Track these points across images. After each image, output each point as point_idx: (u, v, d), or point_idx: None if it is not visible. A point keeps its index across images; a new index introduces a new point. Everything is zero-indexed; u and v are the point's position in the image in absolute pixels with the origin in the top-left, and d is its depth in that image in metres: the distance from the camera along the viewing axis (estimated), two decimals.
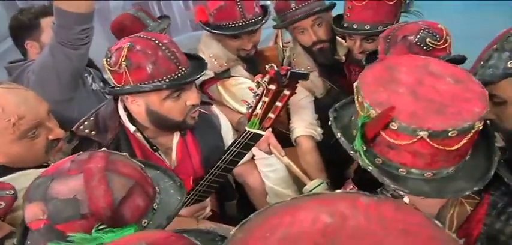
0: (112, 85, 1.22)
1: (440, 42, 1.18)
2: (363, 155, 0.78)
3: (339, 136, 0.86)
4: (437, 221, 0.47)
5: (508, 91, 0.86)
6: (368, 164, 0.78)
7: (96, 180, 0.77)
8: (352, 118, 0.91)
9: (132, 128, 1.27)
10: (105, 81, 1.85)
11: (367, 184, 1.49)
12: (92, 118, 1.29)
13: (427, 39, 1.16)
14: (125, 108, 1.28)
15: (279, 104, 1.19)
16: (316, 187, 1.42)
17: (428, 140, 0.71)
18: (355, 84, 0.83)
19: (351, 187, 1.90)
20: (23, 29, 1.64)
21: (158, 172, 1.01)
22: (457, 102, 0.75)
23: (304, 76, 1.19)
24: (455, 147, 0.71)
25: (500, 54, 0.86)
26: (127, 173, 0.82)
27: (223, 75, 1.70)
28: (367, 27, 1.51)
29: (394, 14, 1.50)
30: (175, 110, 1.21)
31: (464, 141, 0.71)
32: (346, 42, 1.76)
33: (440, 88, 0.78)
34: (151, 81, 1.14)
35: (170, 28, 2.21)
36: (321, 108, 1.82)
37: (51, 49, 1.43)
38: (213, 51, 1.70)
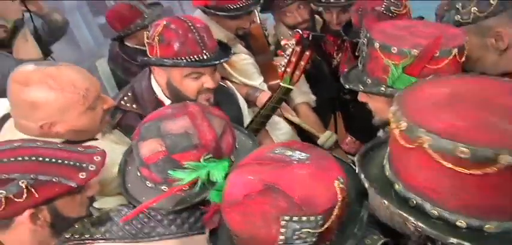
0: (145, 56, 1.32)
1: (402, 9, 1.51)
2: None
3: (384, 90, 1.00)
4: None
5: None
6: None
7: (199, 119, 0.92)
8: (367, 80, 1.04)
9: (167, 101, 1.36)
10: None
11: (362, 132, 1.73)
12: (129, 93, 1.36)
13: (392, 8, 1.49)
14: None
15: (302, 63, 1.45)
16: (328, 139, 1.62)
17: (457, 56, 0.94)
18: (377, 44, 0.98)
19: (349, 138, 2.15)
20: None
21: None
22: (450, 34, 0.99)
23: (322, 37, 1.42)
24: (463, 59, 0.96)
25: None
26: (219, 115, 0.98)
27: None
28: (343, 0, 1.79)
29: None
30: (191, 88, 1.33)
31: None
32: (321, 17, 2.02)
33: (432, 32, 0.99)
34: (174, 58, 1.25)
35: None
36: (307, 76, 2.06)
37: None
38: (213, 32, 1.81)
